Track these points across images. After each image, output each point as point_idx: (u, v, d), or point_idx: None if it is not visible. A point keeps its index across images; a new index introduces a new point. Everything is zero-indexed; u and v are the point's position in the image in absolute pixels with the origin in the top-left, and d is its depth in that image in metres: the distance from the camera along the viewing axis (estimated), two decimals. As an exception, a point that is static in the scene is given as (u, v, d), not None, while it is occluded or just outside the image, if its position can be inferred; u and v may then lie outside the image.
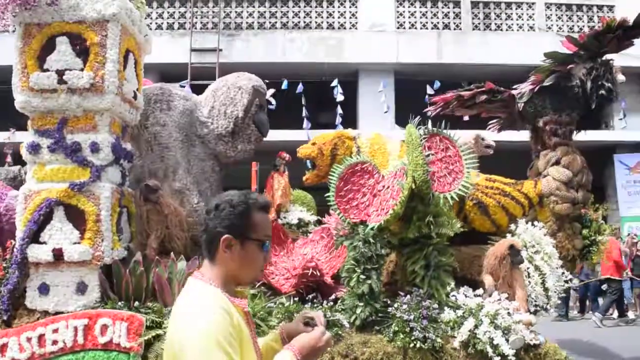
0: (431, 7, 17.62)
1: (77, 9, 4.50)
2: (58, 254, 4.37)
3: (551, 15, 16.53)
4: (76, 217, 4.45)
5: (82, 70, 4.48)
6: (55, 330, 4.17)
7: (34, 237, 4.43)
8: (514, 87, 5.93)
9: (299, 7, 18.56)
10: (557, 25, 16.47)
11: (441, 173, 4.37)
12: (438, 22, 17.43)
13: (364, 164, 4.57)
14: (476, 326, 4.08)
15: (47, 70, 4.50)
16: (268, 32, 18.39)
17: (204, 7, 18.75)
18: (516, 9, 16.74)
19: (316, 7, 18.47)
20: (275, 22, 18.56)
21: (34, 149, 4.51)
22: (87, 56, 4.51)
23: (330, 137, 5.49)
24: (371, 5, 17.91)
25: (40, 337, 4.22)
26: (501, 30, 16.72)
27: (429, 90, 15.87)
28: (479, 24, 16.98)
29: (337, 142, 5.37)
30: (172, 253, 4.76)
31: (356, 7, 18.18)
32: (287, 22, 18.50)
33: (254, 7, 18.78)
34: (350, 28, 18.34)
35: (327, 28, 18.19)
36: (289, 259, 4.98)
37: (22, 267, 4.43)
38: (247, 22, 18.60)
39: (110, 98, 4.48)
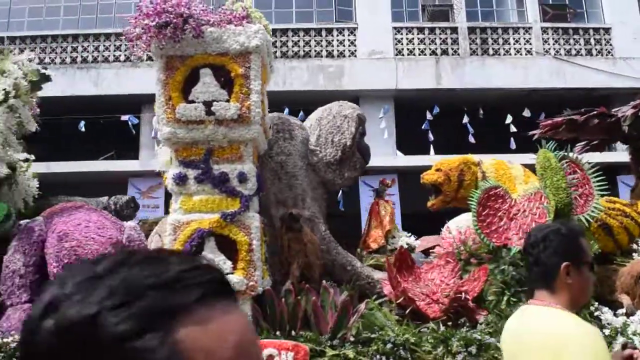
0: (429, 34, 18.16)
1: (220, 41, 4.53)
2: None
3: (548, 39, 17.28)
4: (227, 247, 4.41)
5: (227, 101, 4.49)
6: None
7: (186, 269, 4.35)
8: (615, 110, 6.20)
9: (299, 36, 18.81)
10: (554, 49, 17.20)
11: (573, 195, 4.55)
12: (436, 48, 17.96)
13: (496, 188, 4.71)
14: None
15: (193, 101, 4.49)
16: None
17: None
18: (513, 33, 17.44)
19: (315, 36, 18.76)
20: (275, 52, 18.74)
21: (181, 179, 4.47)
22: (231, 87, 4.52)
23: (455, 163, 5.61)
24: (370, 33, 18.32)
25: None
26: (499, 54, 17.35)
27: (429, 116, 16.30)
28: (477, 49, 17.58)
29: (463, 168, 5.50)
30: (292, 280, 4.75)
31: (355, 35, 18.56)
32: (287, 51, 18.69)
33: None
34: (349, 56, 18.67)
35: (327, 56, 18.47)
36: (418, 284, 5.03)
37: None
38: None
39: (256, 128, 4.51)
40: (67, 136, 15.88)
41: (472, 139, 16.43)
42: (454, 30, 17.76)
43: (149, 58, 19.99)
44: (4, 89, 5.06)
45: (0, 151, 5.64)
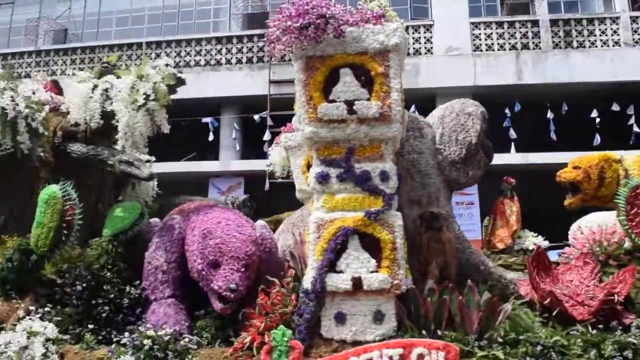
0: (508, 28, 17.56)
1: (359, 40, 4.51)
2: (357, 283, 4.30)
3: (638, 28, 16.35)
4: (371, 246, 4.39)
5: (368, 100, 4.46)
6: (369, 360, 4.08)
7: (331, 266, 4.37)
8: None
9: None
10: (645, 39, 16.28)
11: None
12: (516, 43, 17.34)
13: (643, 185, 4.45)
14: None
15: (334, 101, 4.48)
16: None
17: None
18: (599, 24, 16.61)
19: (391, 34, 18.60)
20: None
21: (324, 178, 4.48)
22: (371, 86, 4.49)
23: (595, 160, 5.40)
24: (446, 29, 17.89)
25: (354, 368, 4.13)
26: (583, 47, 16.57)
27: (509, 113, 15.81)
28: (560, 42, 16.86)
29: (603, 165, 5.28)
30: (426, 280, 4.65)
31: (431, 32, 18.20)
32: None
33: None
34: (425, 53, 18.33)
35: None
36: (556, 285, 4.84)
37: (320, 296, 4.36)
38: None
39: (397, 127, 4.46)
40: (151, 139, 16.53)
41: (553, 136, 15.83)
42: (535, 23, 17.13)
43: (228, 62, 20.25)
44: (145, 93, 5.25)
45: (131, 153, 5.86)
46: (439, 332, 4.26)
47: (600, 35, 16.58)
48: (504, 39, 17.55)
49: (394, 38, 4.49)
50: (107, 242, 5.47)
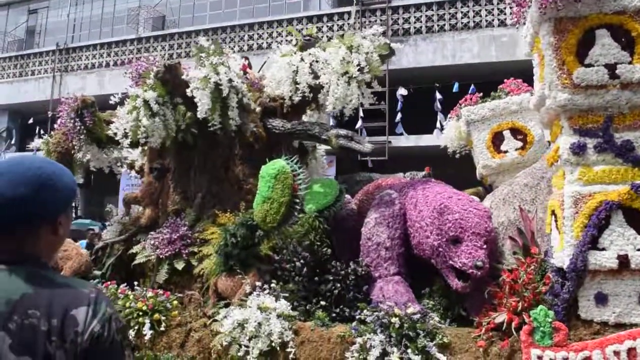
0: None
1: (617, -2, 4.00)
2: (623, 261, 3.88)
3: None
4: (636, 221, 3.93)
5: (630, 63, 3.96)
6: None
7: (592, 243, 3.96)
8: None
9: (468, 6, 17.80)
10: None
11: None
12: None
13: None
14: None
15: (591, 65, 4.02)
16: (436, 35, 17.80)
17: (371, 16, 18.50)
18: None
19: (486, 4, 17.64)
20: (444, 25, 17.92)
21: (580, 149, 4.05)
22: (632, 48, 4.00)
23: None
24: (548, -3, 16.66)
25: (630, 351, 3.74)
26: None
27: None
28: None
29: None
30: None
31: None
32: (456, 23, 17.79)
33: (421, 11, 18.25)
34: (524, 23, 17.19)
35: (499, 26, 17.32)
36: None
37: (580, 275, 3.97)
38: (415, 27, 18.09)
39: (662, 92, 3.94)
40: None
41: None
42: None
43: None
44: (359, 64, 4.96)
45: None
46: None
47: None
48: (612, 4, 16.24)
49: (656, -6, 3.96)
50: (313, 219, 5.27)
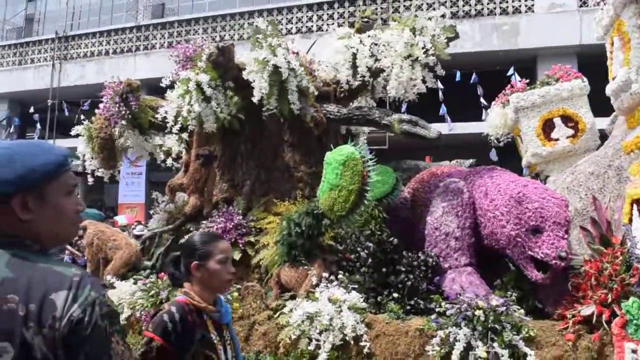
0: (619, -18, 16.02)
1: None
2: None
3: None
4: None
5: None
6: None
7: None
8: None
9: (470, -5, 17.54)
10: None
11: None
12: (628, -2, 15.83)
13: None
14: None
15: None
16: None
17: (372, 4, 18.18)
18: None
19: (488, -7, 17.39)
20: (444, 14, 17.66)
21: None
22: None
23: None
24: (549, -17, 16.51)
25: None
26: None
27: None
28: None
29: None
30: None
31: (532, -13, 16.85)
32: (457, 11, 17.51)
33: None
34: (526, 11, 17.08)
35: (501, 14, 17.07)
36: None
37: None
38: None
39: None
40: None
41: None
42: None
43: (319, 29, 19.43)
44: (424, 47, 4.65)
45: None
46: None
47: None
48: (614, -7, 16.10)
49: None
50: (373, 208, 4.98)
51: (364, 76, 4.91)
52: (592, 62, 15.64)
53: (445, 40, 4.86)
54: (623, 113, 4.57)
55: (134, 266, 5.04)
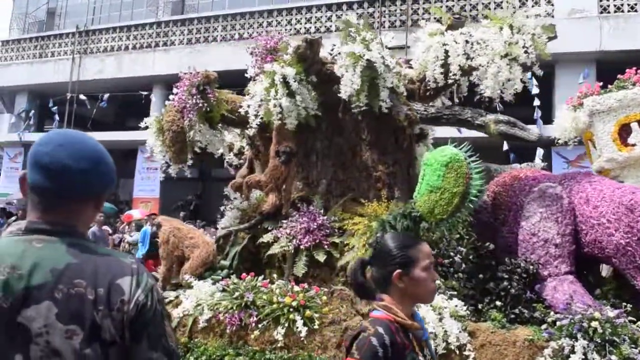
0: (641, -14, 15.86)
1: None
2: None
3: None
4: None
5: None
6: None
7: None
8: None
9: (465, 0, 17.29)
10: None
11: None
12: (649, 3, 15.68)
13: None
14: None
15: None
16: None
17: (391, 5, 17.91)
18: None
19: (481, -1, 17.14)
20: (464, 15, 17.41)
21: None
22: None
23: None
24: (570, -12, 16.27)
25: None
26: None
27: (640, 80, 14.29)
28: None
29: None
30: None
31: (552, -8, 16.62)
32: (477, 15, 17.28)
33: (441, 2, 17.69)
34: (545, 16, 16.81)
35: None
36: None
37: None
38: (435, 19, 17.53)
39: None
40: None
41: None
42: (675, -21, 15.37)
43: (337, 29, 19.36)
44: (524, 46, 4.39)
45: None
46: None
47: None
48: (636, -2, 15.91)
49: None
50: (460, 211, 4.70)
51: (455, 74, 4.63)
52: (612, 68, 15.47)
53: (547, 40, 4.61)
54: None
55: (211, 266, 4.75)
